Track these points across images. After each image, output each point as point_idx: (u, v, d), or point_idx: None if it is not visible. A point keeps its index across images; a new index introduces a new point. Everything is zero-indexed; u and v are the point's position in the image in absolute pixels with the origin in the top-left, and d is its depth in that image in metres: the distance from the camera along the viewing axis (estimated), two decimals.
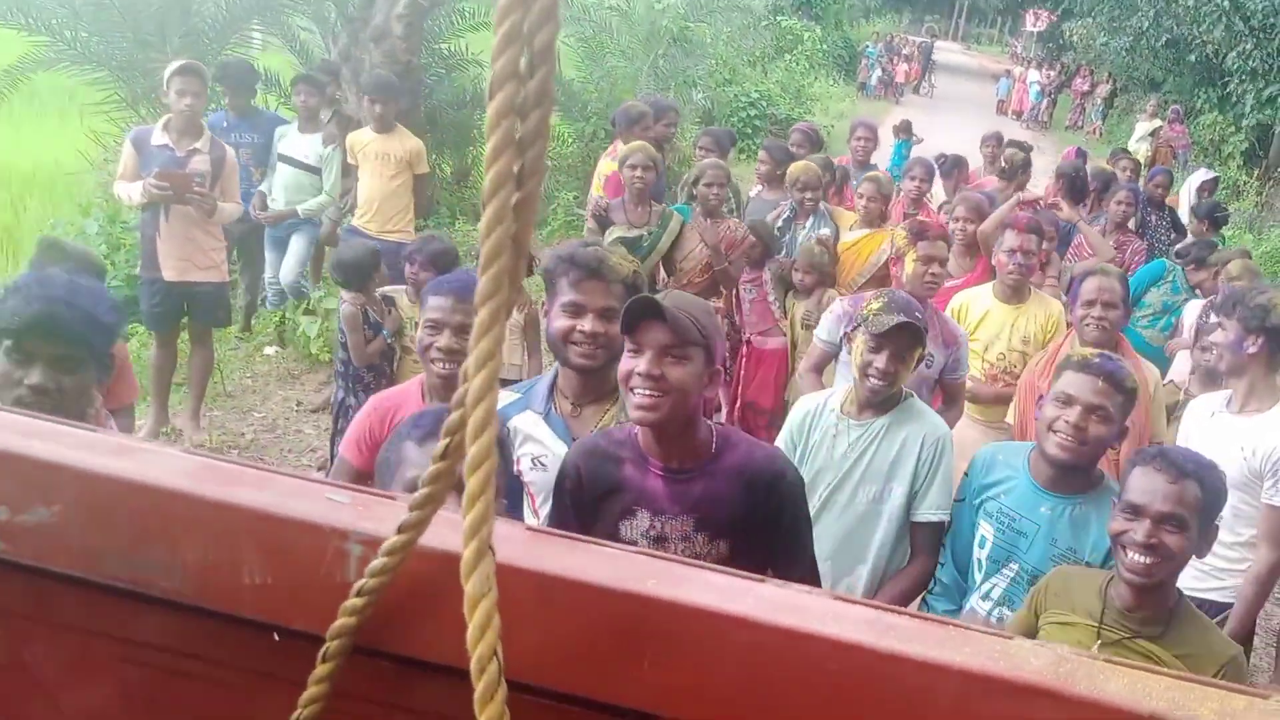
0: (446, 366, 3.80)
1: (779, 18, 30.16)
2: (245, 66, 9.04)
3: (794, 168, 7.94)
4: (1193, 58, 22.66)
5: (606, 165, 8.59)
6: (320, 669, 1.08)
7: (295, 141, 8.57)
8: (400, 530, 1.04)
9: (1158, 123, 19.95)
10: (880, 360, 3.97)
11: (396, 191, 8.50)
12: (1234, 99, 19.77)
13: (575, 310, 3.41)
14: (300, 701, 1.08)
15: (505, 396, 3.61)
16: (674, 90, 15.84)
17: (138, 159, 7.10)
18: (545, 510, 3.46)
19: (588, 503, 3.18)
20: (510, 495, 3.50)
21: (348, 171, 8.87)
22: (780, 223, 7.76)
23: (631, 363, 2.98)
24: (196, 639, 1.19)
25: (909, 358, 4.07)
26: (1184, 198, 11.79)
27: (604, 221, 7.15)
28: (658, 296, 3.09)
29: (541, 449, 3.50)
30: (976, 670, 1.03)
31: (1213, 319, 5.35)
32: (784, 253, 7.56)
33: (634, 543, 3.06)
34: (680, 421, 3.03)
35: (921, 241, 5.43)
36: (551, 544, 1.17)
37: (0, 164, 13.60)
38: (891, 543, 4.04)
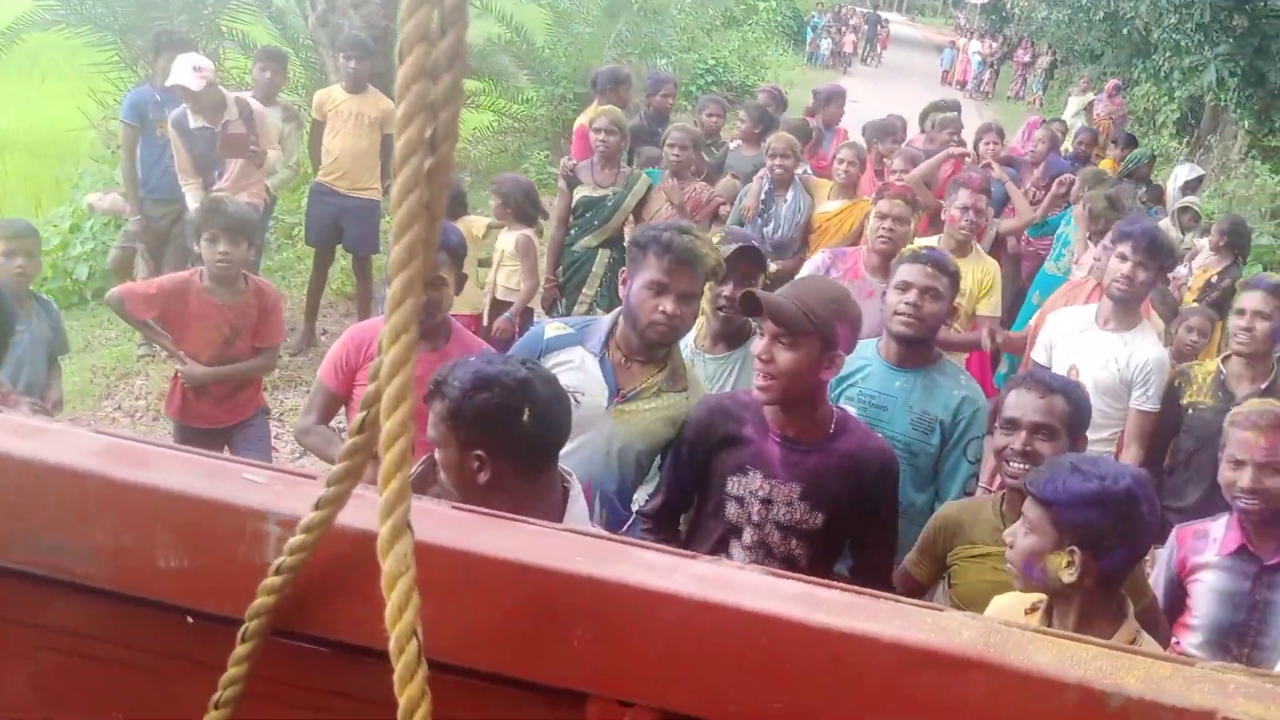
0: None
1: None
2: (182, 38, 8.61)
3: (771, 139, 8.00)
4: (1125, 30, 22.84)
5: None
6: (240, 649, 1.02)
7: None
8: (318, 506, 0.99)
9: (1090, 96, 19.97)
10: (727, 289, 4.06)
11: (367, 151, 8.38)
12: (1167, 73, 19.97)
13: (659, 289, 3.47)
14: (220, 683, 1.03)
15: (555, 327, 3.73)
16: (638, 56, 16.13)
17: (183, 144, 7.28)
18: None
19: (703, 453, 3.36)
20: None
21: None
22: (763, 194, 7.75)
23: (757, 343, 3.22)
24: (112, 624, 1.14)
25: (754, 282, 4.15)
26: (1170, 192, 11.69)
27: (572, 181, 7.16)
28: (789, 286, 3.34)
29: (583, 384, 3.51)
30: (908, 643, 1.00)
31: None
32: (770, 225, 7.60)
33: (740, 498, 3.29)
34: (794, 400, 3.21)
35: (880, 200, 5.71)
36: (478, 523, 1.13)
37: None
38: None
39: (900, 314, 4.01)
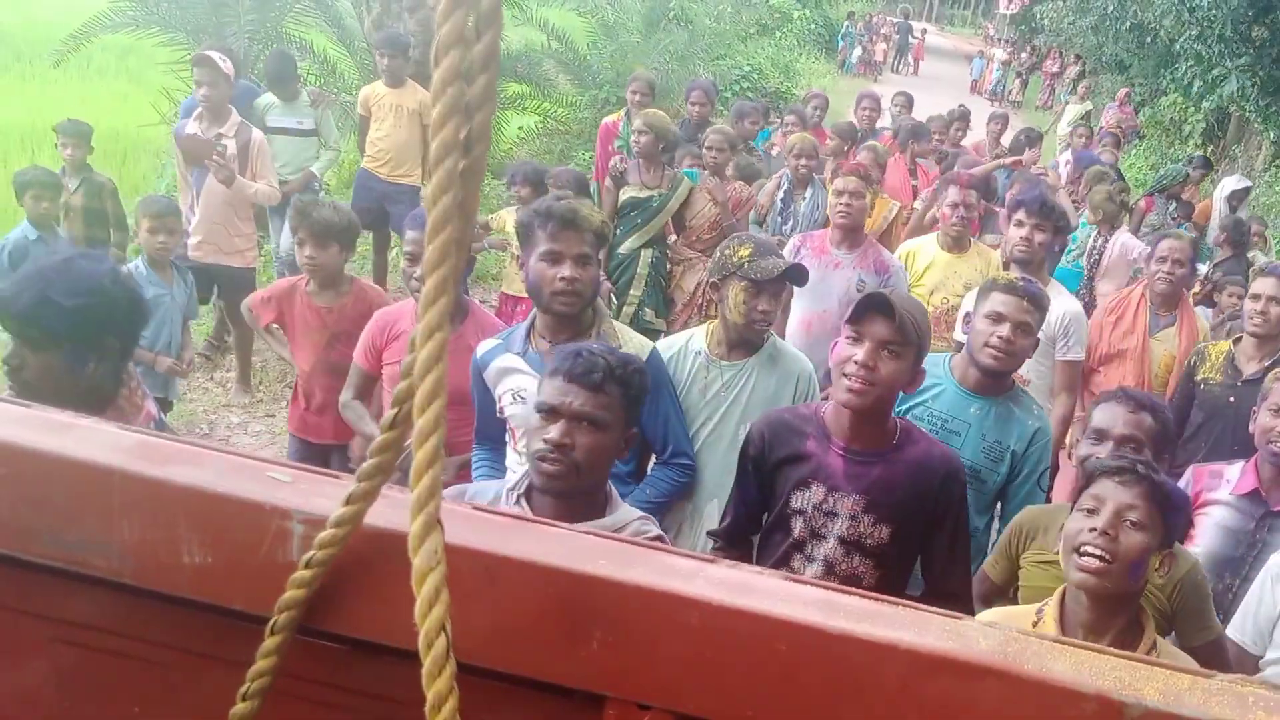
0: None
1: None
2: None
3: (792, 139, 8.25)
4: (1150, 40, 22.71)
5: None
6: (268, 642, 1.01)
7: (283, 111, 8.41)
8: (348, 501, 0.98)
9: (1088, 105, 19.78)
10: (763, 303, 3.97)
11: (407, 140, 8.70)
12: (1190, 82, 19.86)
13: (554, 258, 3.44)
14: (248, 676, 1.02)
15: (485, 344, 3.75)
16: (677, 63, 16.28)
17: (176, 150, 7.25)
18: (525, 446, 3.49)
19: (768, 469, 3.27)
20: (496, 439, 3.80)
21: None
22: (780, 193, 7.96)
23: (850, 350, 3.08)
24: (134, 619, 1.13)
25: (785, 298, 4.22)
26: (1216, 204, 11.57)
27: (619, 182, 7.35)
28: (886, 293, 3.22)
29: (522, 382, 3.54)
30: (925, 650, 0.99)
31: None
32: (789, 224, 7.79)
33: (803, 512, 3.20)
34: (877, 409, 3.13)
35: (836, 178, 6.00)
36: (500, 525, 1.11)
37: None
38: None
39: (991, 347, 3.86)
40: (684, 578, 1.04)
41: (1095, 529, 2.64)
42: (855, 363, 3.04)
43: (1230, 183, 11.71)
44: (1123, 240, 8.20)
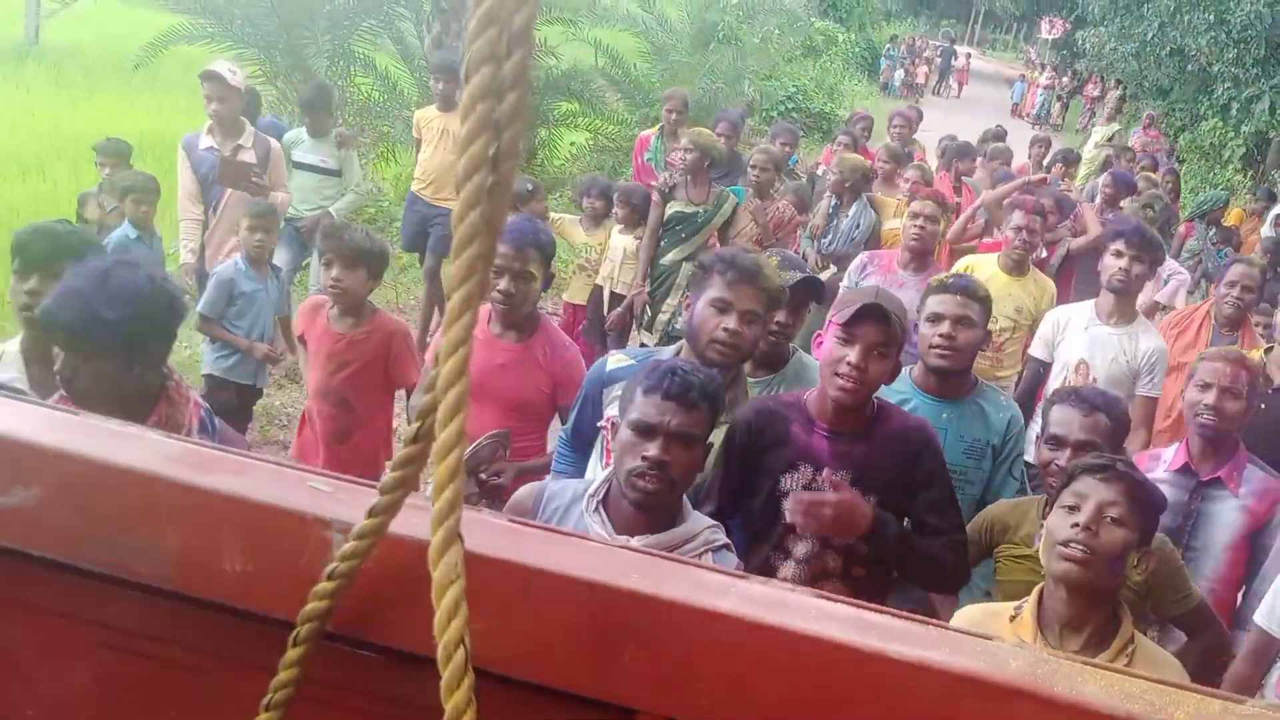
0: (505, 305, 4.08)
1: (812, 19, 30.27)
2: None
3: (839, 159, 8.43)
4: (1190, 66, 22.57)
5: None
6: (291, 653, 1.00)
7: (309, 148, 8.22)
8: (371, 514, 0.97)
9: (1115, 127, 19.63)
10: (780, 315, 3.99)
11: (452, 164, 8.47)
12: (1225, 105, 19.73)
13: (723, 307, 3.41)
14: (271, 685, 1.01)
15: (617, 359, 3.71)
16: (726, 83, 16.64)
17: (190, 164, 7.05)
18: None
19: (754, 455, 3.34)
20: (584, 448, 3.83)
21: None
22: (830, 210, 8.11)
23: (842, 350, 3.19)
24: (175, 625, 1.12)
25: (803, 312, 4.22)
26: (1268, 227, 11.51)
27: (667, 197, 7.42)
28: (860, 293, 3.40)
29: None
30: (957, 670, 0.97)
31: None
32: (829, 239, 7.95)
33: (793, 493, 3.26)
34: (865, 402, 3.27)
35: (914, 201, 6.08)
36: (533, 536, 1.11)
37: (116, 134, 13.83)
38: None
39: (936, 347, 3.97)
40: (716, 593, 1.03)
41: (1077, 524, 2.70)
42: (848, 363, 3.15)
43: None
44: (1168, 266, 8.26)
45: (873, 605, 1.06)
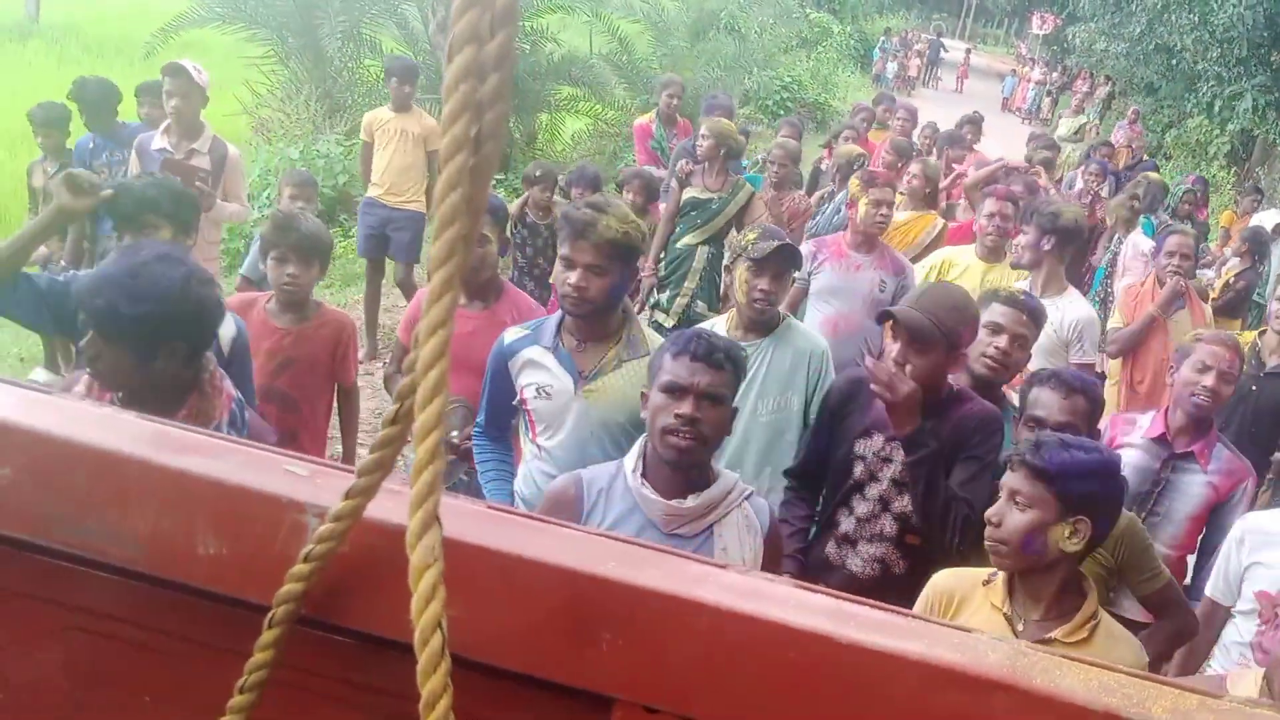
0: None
1: (807, 11, 30.26)
2: (105, 85, 7.67)
3: (840, 151, 8.71)
4: (1177, 63, 22.63)
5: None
6: (265, 636, 0.98)
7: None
8: (348, 496, 0.94)
9: (1083, 119, 19.62)
10: (763, 283, 4.16)
11: (412, 166, 8.41)
12: (1210, 103, 19.80)
13: (567, 264, 3.52)
14: (246, 668, 0.99)
15: (513, 332, 3.75)
16: (724, 70, 16.88)
17: (140, 165, 6.39)
18: (546, 439, 3.62)
19: (839, 419, 3.73)
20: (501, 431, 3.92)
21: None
22: (825, 197, 8.32)
23: (888, 344, 3.63)
24: (147, 609, 1.10)
25: (785, 279, 4.33)
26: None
27: (684, 182, 7.59)
28: (915, 296, 3.71)
29: (548, 379, 3.60)
30: (934, 662, 0.95)
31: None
32: (813, 222, 7.99)
33: (864, 457, 3.63)
34: (923, 388, 3.43)
35: (871, 188, 6.07)
36: (513, 524, 1.08)
37: None
38: (795, 444, 4.20)
39: (989, 357, 3.98)
40: (694, 582, 1.01)
41: (988, 519, 2.84)
42: (892, 358, 3.49)
43: (1269, 218, 12.10)
44: (1134, 239, 8.83)
45: (853, 597, 1.04)
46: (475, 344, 3.98)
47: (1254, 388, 5.58)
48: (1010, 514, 2.78)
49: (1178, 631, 3.77)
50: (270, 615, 0.97)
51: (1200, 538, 4.29)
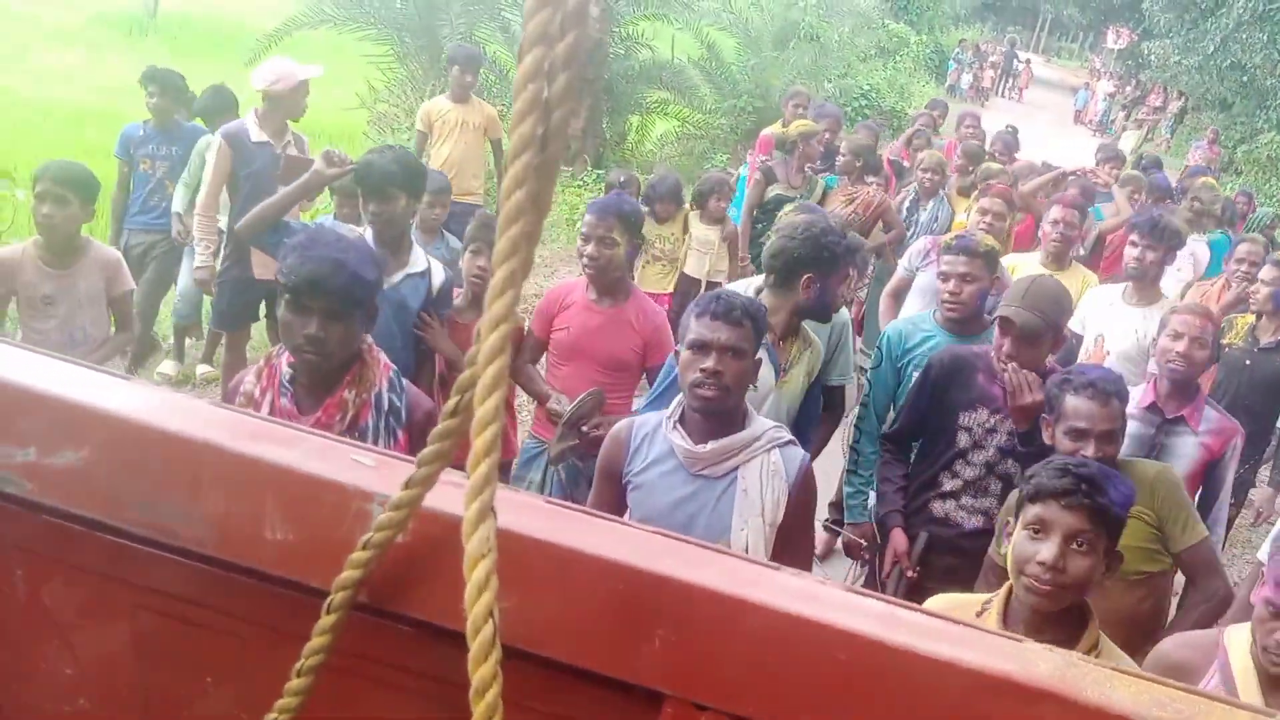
0: (592, 269, 4.32)
1: (885, 22, 30.07)
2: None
3: (923, 155, 8.71)
4: (1247, 79, 22.14)
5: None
6: (324, 620, 0.98)
7: None
8: (407, 485, 0.94)
9: (1143, 133, 19.21)
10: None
11: (472, 157, 8.31)
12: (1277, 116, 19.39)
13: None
14: (304, 652, 0.98)
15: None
16: (808, 78, 16.87)
17: (233, 156, 6.06)
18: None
19: (941, 390, 3.95)
20: None
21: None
22: (906, 203, 8.31)
23: (1000, 340, 3.80)
24: (215, 590, 1.10)
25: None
26: None
27: (769, 176, 7.71)
28: (1020, 294, 3.85)
29: (764, 371, 3.63)
30: (986, 670, 0.93)
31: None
32: (911, 230, 8.03)
33: (969, 429, 3.87)
34: (1033, 367, 3.76)
35: (983, 198, 6.34)
36: (572, 519, 1.08)
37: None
38: (812, 405, 4.32)
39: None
40: (749, 582, 1.00)
41: (1043, 562, 2.52)
42: (1004, 352, 3.76)
43: None
44: (1194, 248, 8.64)
45: (906, 603, 1.02)
46: (603, 337, 4.28)
47: (1248, 362, 5.88)
48: (1073, 559, 2.52)
49: (1210, 599, 3.56)
50: (329, 600, 0.97)
51: (1198, 495, 4.41)
